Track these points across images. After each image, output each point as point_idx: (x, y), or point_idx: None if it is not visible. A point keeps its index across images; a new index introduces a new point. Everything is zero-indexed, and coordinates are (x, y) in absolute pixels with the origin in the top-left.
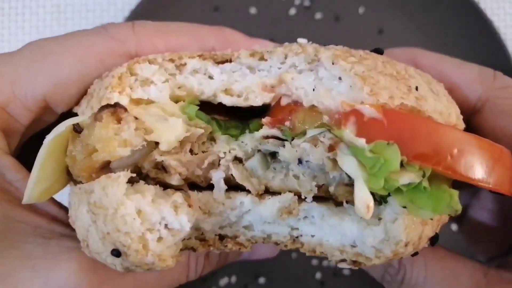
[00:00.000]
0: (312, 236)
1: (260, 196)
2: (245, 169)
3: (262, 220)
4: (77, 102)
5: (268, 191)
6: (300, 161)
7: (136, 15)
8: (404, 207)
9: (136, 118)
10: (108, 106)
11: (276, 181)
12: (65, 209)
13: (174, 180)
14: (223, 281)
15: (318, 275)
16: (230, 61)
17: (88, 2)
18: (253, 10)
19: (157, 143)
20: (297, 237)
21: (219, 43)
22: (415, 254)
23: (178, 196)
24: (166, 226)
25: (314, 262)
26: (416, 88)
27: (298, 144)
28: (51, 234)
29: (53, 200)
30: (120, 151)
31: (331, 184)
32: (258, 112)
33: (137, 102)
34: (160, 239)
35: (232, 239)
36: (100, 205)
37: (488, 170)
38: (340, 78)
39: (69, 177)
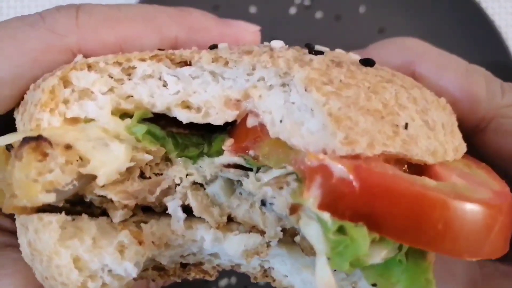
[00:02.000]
0: (285, 276)
1: (224, 227)
2: (205, 196)
3: (227, 255)
4: (17, 103)
5: (233, 220)
6: (263, 203)
7: None
8: (374, 284)
9: (68, 147)
10: (29, 140)
11: (241, 212)
12: (10, 217)
13: (117, 217)
14: (223, 282)
15: None
16: (190, 64)
17: (87, 2)
18: (253, 9)
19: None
20: (268, 268)
21: (183, 31)
22: None
23: (124, 235)
24: (110, 272)
25: None
26: (406, 126)
27: (262, 180)
28: None
29: None
30: (42, 197)
31: (298, 232)
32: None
33: (74, 120)
34: (104, 285)
35: (195, 267)
36: (35, 247)
37: (479, 243)
38: (312, 110)
39: None
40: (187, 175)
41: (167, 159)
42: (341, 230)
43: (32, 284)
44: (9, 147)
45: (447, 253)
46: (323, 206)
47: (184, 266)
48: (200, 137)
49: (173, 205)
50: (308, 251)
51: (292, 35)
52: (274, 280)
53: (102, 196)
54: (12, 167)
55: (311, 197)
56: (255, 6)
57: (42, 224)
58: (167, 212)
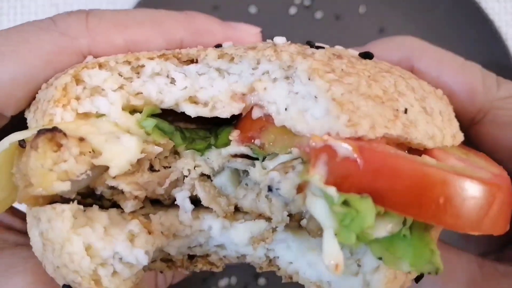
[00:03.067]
0: (290, 263)
1: (231, 216)
2: (213, 187)
3: (234, 243)
4: (28, 104)
5: (239, 209)
6: (270, 189)
7: None
8: (380, 258)
9: (81, 139)
10: (44, 131)
11: (247, 201)
12: (20, 216)
13: (128, 207)
14: (223, 281)
15: None
16: (196, 61)
17: (87, 1)
18: (253, 9)
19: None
20: (273, 258)
21: (188, 34)
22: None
23: (135, 224)
24: (121, 260)
25: None
26: (405, 111)
27: (268, 168)
28: (4, 244)
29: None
30: (57, 186)
31: (304, 216)
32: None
33: (86, 115)
34: (115, 273)
35: (202, 258)
36: (47, 237)
37: (479, 217)
38: (316, 97)
39: None
40: (195, 166)
41: (175, 153)
42: (346, 203)
43: (41, 281)
44: (22, 143)
45: (449, 227)
46: (328, 183)
47: (191, 258)
48: (207, 131)
49: (182, 196)
50: (315, 232)
51: (292, 35)
52: (279, 269)
53: (113, 188)
54: (28, 157)
55: (317, 174)
56: (255, 6)
57: (55, 212)
58: (174, 204)
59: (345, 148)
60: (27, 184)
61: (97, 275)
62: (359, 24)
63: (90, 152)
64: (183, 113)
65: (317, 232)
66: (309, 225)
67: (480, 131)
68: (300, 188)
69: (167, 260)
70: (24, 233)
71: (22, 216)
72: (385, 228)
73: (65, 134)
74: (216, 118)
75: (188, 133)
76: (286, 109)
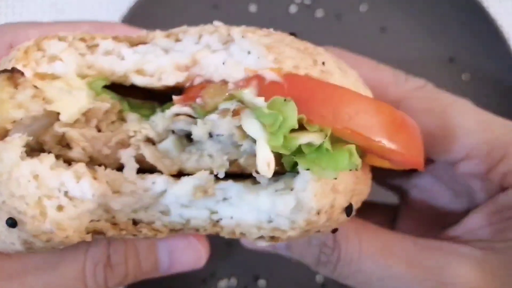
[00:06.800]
0: (231, 218)
1: (175, 177)
2: (157, 151)
3: (178, 202)
4: None
5: (183, 174)
6: (210, 135)
7: (134, 14)
8: (308, 169)
9: (36, 87)
10: (5, 70)
11: (191, 163)
12: None
13: (75, 153)
14: (223, 283)
15: (318, 278)
16: (145, 43)
17: (86, 0)
18: (253, 8)
19: (58, 115)
20: (217, 221)
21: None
22: (335, 230)
23: (80, 166)
24: (66, 193)
25: None
26: (323, 63)
27: (209, 119)
28: None
29: None
30: (13, 113)
31: (242, 157)
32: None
33: (42, 77)
34: (60, 207)
35: (147, 225)
36: None
37: (390, 134)
38: (249, 52)
39: None
40: (140, 129)
41: (122, 119)
42: (272, 109)
43: None
44: None
45: (363, 139)
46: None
47: (135, 223)
48: (152, 104)
49: (127, 154)
50: (252, 165)
51: None
52: (222, 229)
53: (62, 145)
54: None
55: (248, 90)
56: (255, 4)
57: (5, 143)
58: (119, 169)
59: (272, 74)
60: None
61: (41, 206)
62: (360, 23)
63: (43, 99)
64: (132, 90)
65: (254, 165)
66: (247, 161)
67: None
68: (236, 112)
69: (112, 223)
70: None
71: None
72: (308, 137)
73: (23, 73)
74: (163, 95)
75: (134, 103)
76: (223, 63)
